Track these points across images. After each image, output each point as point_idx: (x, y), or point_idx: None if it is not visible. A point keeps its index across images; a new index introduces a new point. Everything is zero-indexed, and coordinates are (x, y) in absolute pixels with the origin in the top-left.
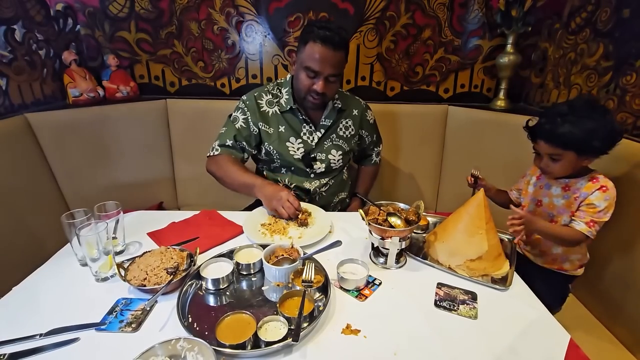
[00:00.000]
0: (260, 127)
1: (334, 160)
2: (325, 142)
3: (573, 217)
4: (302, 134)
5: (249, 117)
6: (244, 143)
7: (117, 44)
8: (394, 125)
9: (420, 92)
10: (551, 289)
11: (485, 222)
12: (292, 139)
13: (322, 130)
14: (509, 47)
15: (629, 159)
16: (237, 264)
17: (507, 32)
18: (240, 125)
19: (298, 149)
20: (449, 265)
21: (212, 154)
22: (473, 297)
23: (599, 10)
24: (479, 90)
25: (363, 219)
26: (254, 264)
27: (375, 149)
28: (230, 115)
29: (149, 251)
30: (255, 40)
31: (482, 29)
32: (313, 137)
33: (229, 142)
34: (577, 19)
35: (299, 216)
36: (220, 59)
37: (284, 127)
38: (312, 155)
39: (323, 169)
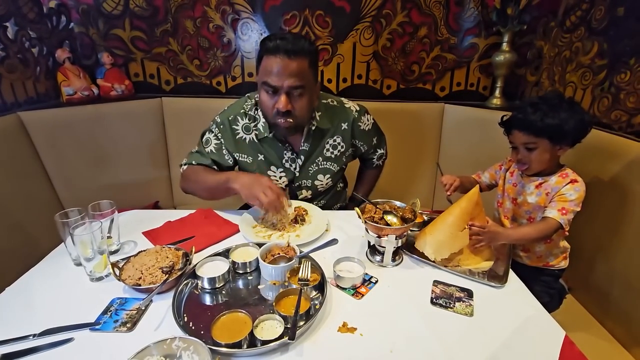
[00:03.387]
0: (237, 157)
1: (322, 185)
2: (310, 168)
3: (545, 208)
4: (283, 162)
5: (223, 144)
6: (216, 167)
7: (111, 41)
8: (391, 123)
9: (416, 91)
10: (544, 287)
11: (473, 218)
12: (273, 167)
13: (303, 157)
14: (504, 46)
15: (623, 156)
16: (233, 262)
17: (503, 31)
18: (211, 150)
19: (280, 177)
20: (434, 258)
21: (182, 171)
22: (469, 294)
23: (594, 9)
24: (475, 89)
25: (359, 217)
26: (250, 262)
27: (378, 152)
28: (204, 135)
29: (144, 250)
30: (251, 38)
31: (478, 27)
32: (295, 165)
33: (195, 163)
34: (572, 17)
35: (283, 208)
36: (216, 57)
37: (262, 156)
38: (297, 184)
39: (310, 196)
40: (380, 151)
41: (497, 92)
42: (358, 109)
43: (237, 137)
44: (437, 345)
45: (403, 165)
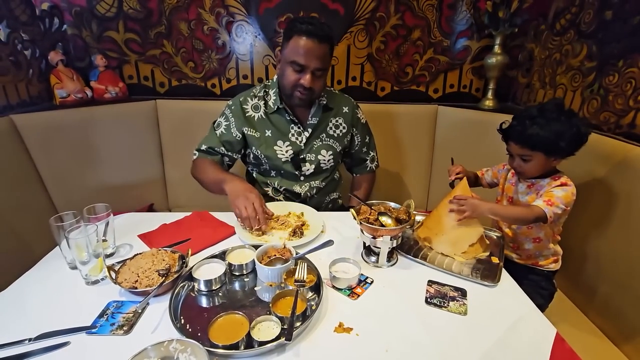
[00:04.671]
0: (245, 131)
1: (324, 160)
2: (315, 142)
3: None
4: (290, 136)
5: (233, 123)
6: (223, 149)
7: (105, 44)
8: (385, 125)
9: (410, 92)
10: (535, 287)
11: None
12: (279, 142)
13: (310, 130)
14: (496, 48)
15: (611, 156)
16: (230, 264)
17: (495, 33)
18: (221, 132)
19: (287, 151)
20: (454, 254)
21: (193, 158)
22: (463, 293)
23: (583, 12)
24: (467, 91)
25: (354, 218)
26: (246, 264)
27: (371, 153)
28: (215, 122)
29: (140, 253)
30: (246, 40)
31: (470, 29)
32: (301, 138)
33: (204, 147)
34: (562, 20)
35: (261, 227)
36: (211, 59)
37: (270, 130)
38: (301, 157)
39: (312, 170)
40: (372, 153)
41: (490, 94)
42: (354, 101)
43: (247, 115)
44: (431, 343)
45: (397, 167)
